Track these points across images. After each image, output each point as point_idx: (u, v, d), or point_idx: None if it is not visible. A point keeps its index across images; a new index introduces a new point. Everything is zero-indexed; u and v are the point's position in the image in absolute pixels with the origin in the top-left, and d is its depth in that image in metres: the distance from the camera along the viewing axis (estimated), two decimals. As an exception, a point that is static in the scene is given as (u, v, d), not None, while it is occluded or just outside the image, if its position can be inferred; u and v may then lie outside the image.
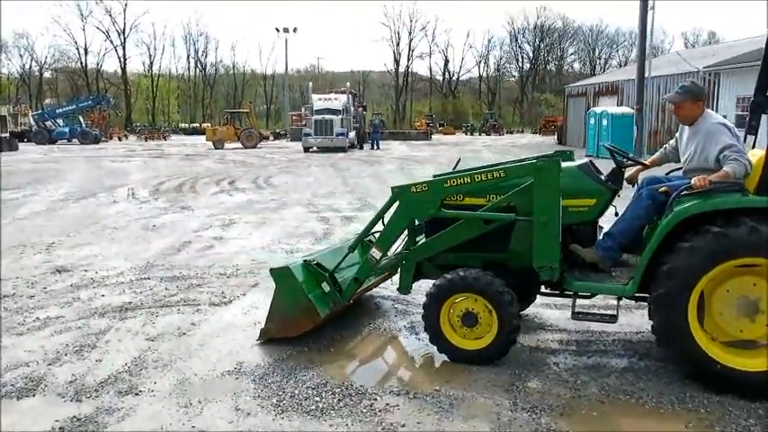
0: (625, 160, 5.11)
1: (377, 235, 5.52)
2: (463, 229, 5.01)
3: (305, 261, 5.42)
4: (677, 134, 5.13)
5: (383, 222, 5.39)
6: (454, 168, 5.75)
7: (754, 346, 4.54)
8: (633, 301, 5.54)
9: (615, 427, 4.05)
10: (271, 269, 5.50)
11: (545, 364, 4.98)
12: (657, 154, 5.38)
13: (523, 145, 42.99)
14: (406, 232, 5.33)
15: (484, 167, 5.08)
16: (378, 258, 5.27)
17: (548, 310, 6.23)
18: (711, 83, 26.64)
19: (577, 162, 5.11)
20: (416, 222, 5.31)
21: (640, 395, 4.42)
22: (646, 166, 5.24)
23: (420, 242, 5.30)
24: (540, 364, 4.96)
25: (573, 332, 5.66)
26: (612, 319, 4.87)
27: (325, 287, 5.30)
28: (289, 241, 9.81)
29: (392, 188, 5.22)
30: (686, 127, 4.91)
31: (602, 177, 4.99)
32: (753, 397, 4.27)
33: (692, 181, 4.42)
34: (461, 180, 4.96)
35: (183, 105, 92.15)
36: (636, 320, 5.85)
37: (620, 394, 4.44)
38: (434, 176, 5.40)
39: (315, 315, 5.18)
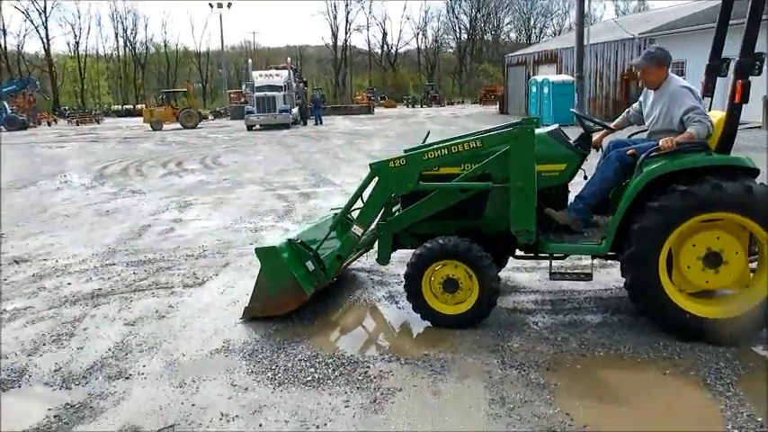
0: (592, 125, 5.28)
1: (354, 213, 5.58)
2: (440, 198, 5.12)
3: (289, 240, 5.43)
4: (641, 98, 5.34)
5: (362, 199, 5.43)
6: (424, 141, 5.84)
7: (717, 295, 4.85)
8: (598, 261, 5.77)
9: (599, 378, 4.25)
10: (256, 248, 5.49)
11: (525, 323, 5.17)
12: (620, 118, 5.57)
13: (467, 115, 43.38)
14: None
15: (459, 138, 5.18)
16: (359, 235, 5.34)
17: (519, 273, 6.44)
18: (646, 48, 27.37)
19: (548, 128, 5.26)
20: (392, 195, 5.37)
21: (618, 347, 4.65)
22: (611, 131, 5.44)
23: (397, 213, 5.38)
24: (520, 325, 5.14)
25: (546, 293, 5.88)
26: (588, 277, 5.08)
27: (310, 266, 5.32)
28: (251, 220, 9.78)
29: (370, 164, 5.27)
30: (650, 91, 5.11)
31: (572, 142, 5.17)
32: (720, 342, 4.54)
33: (660, 142, 4.63)
34: (439, 152, 5.05)
35: (113, 87, 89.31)
36: (603, 278, 6.10)
37: (599, 348, 4.66)
38: (406, 151, 5.48)
39: (300, 294, 5.22)
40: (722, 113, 4.80)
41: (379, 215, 5.44)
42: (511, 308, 5.52)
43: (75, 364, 4.68)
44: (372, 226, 5.47)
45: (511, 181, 4.82)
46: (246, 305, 5.47)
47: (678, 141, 4.58)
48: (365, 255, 6.94)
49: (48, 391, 4.30)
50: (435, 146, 5.17)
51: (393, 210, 5.47)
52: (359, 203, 5.49)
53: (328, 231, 5.56)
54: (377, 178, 5.23)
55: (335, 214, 6.01)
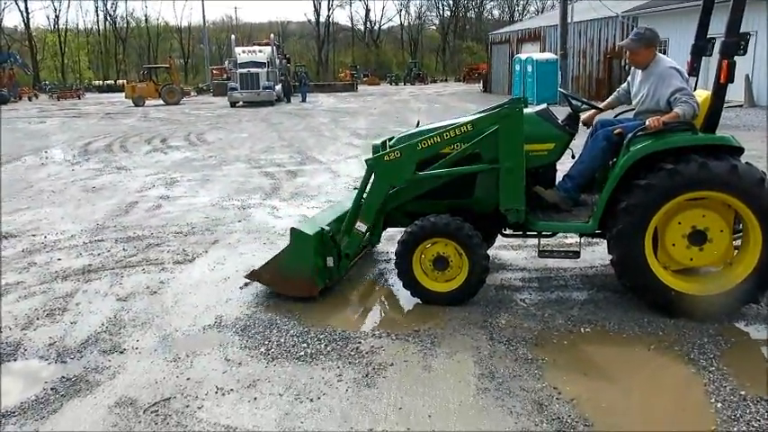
0: (581, 104, 5.35)
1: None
2: (430, 177, 5.17)
3: (322, 230, 5.35)
4: (629, 78, 5.40)
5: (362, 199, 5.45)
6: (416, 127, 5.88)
7: (700, 272, 4.97)
8: (583, 239, 5.87)
9: (586, 353, 4.36)
10: (292, 228, 5.38)
11: (512, 300, 5.27)
12: (611, 98, 5.63)
13: (451, 93, 43.30)
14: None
15: (450, 125, 5.20)
16: (364, 231, 5.37)
17: (505, 251, 6.53)
18: (630, 27, 27.44)
19: (536, 108, 5.31)
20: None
21: (603, 323, 4.77)
22: (600, 110, 5.51)
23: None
24: (507, 301, 5.24)
25: (533, 270, 5.98)
26: (576, 255, 5.18)
27: (330, 262, 5.32)
28: (238, 197, 9.79)
29: (366, 161, 5.30)
30: (638, 71, 5.18)
31: (560, 122, 5.23)
32: (702, 318, 4.68)
33: (647, 122, 4.70)
34: (432, 140, 5.07)
35: (94, 62, 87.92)
36: (588, 256, 6.20)
37: (585, 324, 4.77)
38: (398, 139, 5.50)
39: (311, 287, 5.24)
40: (707, 93, 4.89)
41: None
42: (498, 285, 5.61)
43: (70, 339, 4.72)
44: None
45: (500, 160, 4.89)
46: (255, 268, 5.49)
47: (665, 121, 4.66)
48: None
49: (43, 365, 4.35)
50: (428, 134, 5.18)
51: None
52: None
53: (342, 233, 5.44)
54: (374, 174, 5.25)
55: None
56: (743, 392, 3.75)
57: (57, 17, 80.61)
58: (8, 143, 18.36)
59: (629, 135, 4.78)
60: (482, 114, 5.17)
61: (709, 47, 5.27)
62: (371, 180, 5.28)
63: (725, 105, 4.84)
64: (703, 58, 5.39)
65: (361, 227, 5.34)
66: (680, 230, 4.70)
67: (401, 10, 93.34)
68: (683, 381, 4.00)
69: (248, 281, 5.56)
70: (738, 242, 4.80)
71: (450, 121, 5.24)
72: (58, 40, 79.66)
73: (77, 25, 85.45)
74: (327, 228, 5.43)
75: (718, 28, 4.79)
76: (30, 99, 49.47)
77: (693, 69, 5.43)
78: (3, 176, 12.42)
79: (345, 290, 5.67)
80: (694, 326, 4.62)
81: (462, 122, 5.08)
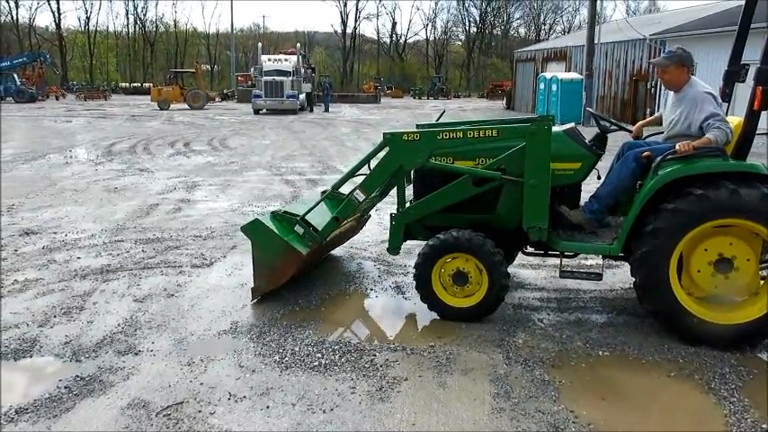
0: (609, 125, 5.29)
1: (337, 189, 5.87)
2: (453, 190, 5.14)
3: (272, 212, 5.56)
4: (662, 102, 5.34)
5: (369, 167, 5.48)
6: (438, 119, 5.87)
7: (724, 301, 4.87)
8: (604, 261, 5.79)
9: (604, 377, 4.28)
10: (241, 227, 5.57)
11: (530, 320, 5.20)
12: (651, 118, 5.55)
13: (473, 109, 43.24)
14: (395, 192, 5.47)
15: (475, 123, 5.18)
16: (361, 201, 5.40)
17: (524, 269, 6.46)
18: (657, 50, 27.29)
19: (564, 127, 5.26)
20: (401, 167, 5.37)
21: (623, 348, 4.68)
22: (629, 132, 5.43)
23: (410, 204, 5.40)
24: (525, 321, 5.17)
25: (551, 290, 5.91)
26: (598, 277, 5.10)
27: (299, 229, 5.40)
28: (258, 204, 9.80)
29: (384, 134, 5.29)
30: (671, 93, 5.11)
31: (588, 142, 5.18)
32: (724, 348, 4.58)
33: (677, 146, 4.64)
34: (453, 134, 5.06)
35: (121, 64, 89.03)
36: (608, 279, 6.10)
37: (604, 347, 4.69)
38: (418, 126, 5.52)
39: (297, 255, 5.26)
40: (739, 119, 4.82)
41: (391, 198, 5.48)
42: (516, 304, 5.54)
43: (86, 338, 4.73)
44: (374, 193, 5.54)
45: (525, 177, 4.84)
46: (252, 286, 5.52)
47: (695, 146, 4.60)
48: (372, 244, 7.00)
49: (58, 363, 4.35)
50: (450, 127, 5.17)
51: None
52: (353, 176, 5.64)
53: (320, 198, 5.70)
54: (387, 148, 5.26)
55: (323, 192, 6.07)
56: (765, 426, 3.66)
57: (87, 19, 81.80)
58: (34, 141, 18.61)
59: (658, 159, 4.71)
60: (509, 125, 5.12)
61: (743, 73, 5.19)
62: (383, 155, 5.30)
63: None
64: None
65: (359, 195, 5.37)
66: (706, 257, 4.61)
67: (427, 24, 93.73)
68: (702, 410, 3.91)
69: (258, 298, 5.54)
70: (765, 272, 4.71)
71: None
72: (88, 41, 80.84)
73: (107, 27, 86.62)
74: (276, 210, 5.64)
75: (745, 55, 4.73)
76: (57, 98, 50.15)
77: (726, 95, 5.35)
78: (27, 173, 12.57)
79: (361, 301, 5.64)
80: (715, 354, 4.53)
81: (488, 126, 5.03)
